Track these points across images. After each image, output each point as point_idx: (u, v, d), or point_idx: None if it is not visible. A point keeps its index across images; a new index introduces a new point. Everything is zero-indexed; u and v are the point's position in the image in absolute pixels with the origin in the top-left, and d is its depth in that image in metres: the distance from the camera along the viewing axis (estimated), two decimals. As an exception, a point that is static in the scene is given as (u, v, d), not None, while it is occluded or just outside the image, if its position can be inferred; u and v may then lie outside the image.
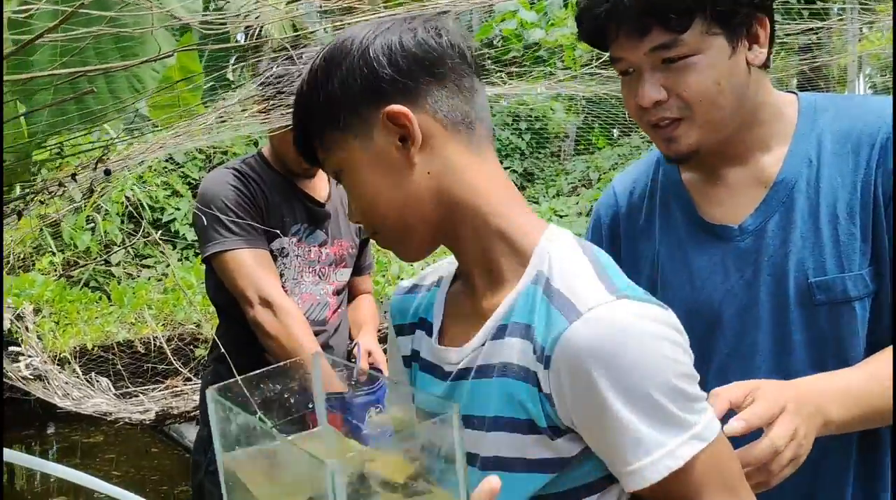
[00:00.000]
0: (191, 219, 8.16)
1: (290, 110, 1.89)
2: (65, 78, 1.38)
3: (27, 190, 1.59)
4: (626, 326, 0.86)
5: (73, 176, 1.57)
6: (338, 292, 2.36)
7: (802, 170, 1.24)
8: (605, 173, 11.52)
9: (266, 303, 2.07)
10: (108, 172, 1.64)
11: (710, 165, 1.31)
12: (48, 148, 1.78)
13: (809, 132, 1.26)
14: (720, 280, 1.29)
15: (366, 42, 0.95)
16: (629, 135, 12.22)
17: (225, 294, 2.18)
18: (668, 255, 1.35)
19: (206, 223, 2.14)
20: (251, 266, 2.11)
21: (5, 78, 1.29)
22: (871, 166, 1.20)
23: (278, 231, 2.18)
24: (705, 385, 1.29)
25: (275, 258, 2.20)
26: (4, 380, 4.40)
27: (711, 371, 1.29)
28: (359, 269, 2.53)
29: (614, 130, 12.69)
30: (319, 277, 2.29)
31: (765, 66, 1.24)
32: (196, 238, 2.35)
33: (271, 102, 2.04)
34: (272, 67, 2.13)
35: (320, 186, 2.35)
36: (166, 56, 1.43)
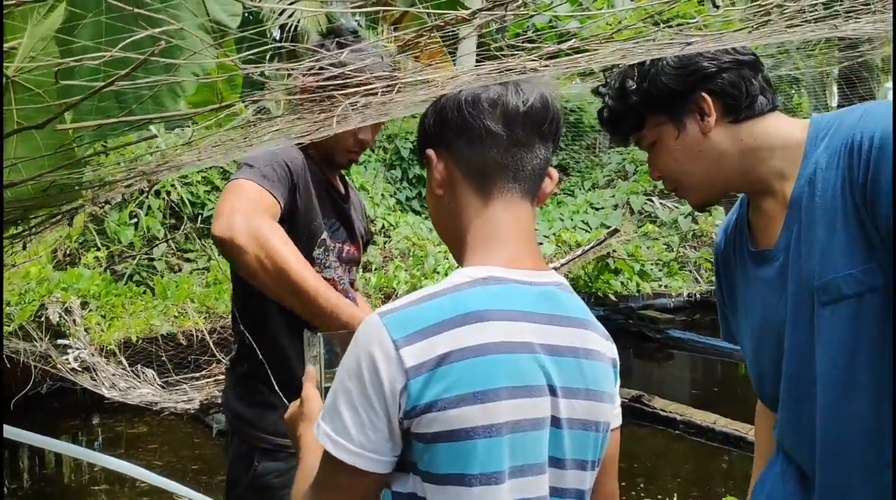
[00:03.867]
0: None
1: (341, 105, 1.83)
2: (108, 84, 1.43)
3: (76, 204, 1.65)
4: (358, 329, 1.12)
5: (123, 197, 1.63)
6: (352, 284, 2.35)
7: (805, 188, 1.38)
8: (641, 165, 11.40)
9: (246, 228, 1.72)
10: (157, 193, 1.71)
11: (753, 201, 1.52)
12: (93, 149, 1.82)
13: (812, 154, 1.40)
14: (773, 298, 1.46)
15: (437, 101, 1.26)
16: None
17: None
18: (742, 282, 1.57)
19: (245, 163, 1.94)
20: (253, 196, 1.82)
21: (59, 100, 1.35)
22: (855, 171, 1.29)
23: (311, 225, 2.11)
24: (777, 390, 1.48)
25: (322, 251, 2.17)
26: (53, 371, 4.54)
27: (783, 377, 1.46)
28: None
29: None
30: (347, 273, 2.29)
31: (758, 113, 1.45)
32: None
33: (320, 97, 1.90)
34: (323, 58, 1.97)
35: (341, 183, 2.33)
36: (236, 74, 1.49)
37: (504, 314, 1.11)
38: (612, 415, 1.25)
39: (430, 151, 1.25)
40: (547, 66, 1.40)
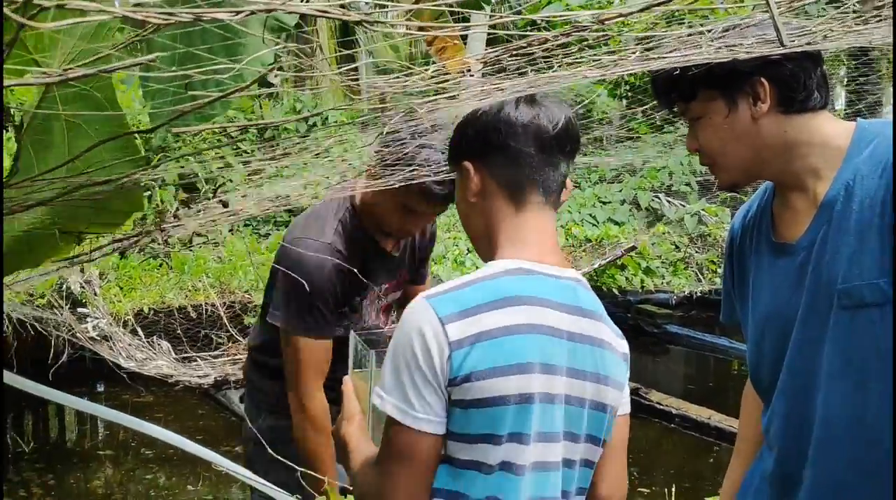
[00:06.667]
0: (242, 195, 8.26)
1: (405, 176, 1.98)
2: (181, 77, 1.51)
3: (141, 229, 1.72)
4: (406, 311, 1.29)
5: (185, 203, 1.71)
6: (386, 310, 2.54)
7: (841, 192, 1.43)
8: (647, 162, 11.42)
9: (303, 409, 2.27)
10: (225, 204, 1.83)
11: (781, 193, 1.55)
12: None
13: (853, 159, 1.43)
14: (787, 291, 1.51)
15: (475, 116, 1.40)
16: (674, 123, 12.11)
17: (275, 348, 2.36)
18: (756, 270, 1.60)
19: (292, 297, 2.22)
20: (309, 359, 2.26)
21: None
22: (891, 186, 1.35)
23: (346, 322, 2.34)
24: (773, 379, 1.53)
25: (354, 310, 2.36)
26: (72, 340, 4.63)
27: (784, 369, 1.51)
28: (422, 277, 2.68)
29: (657, 117, 12.59)
30: (377, 308, 2.48)
31: (810, 109, 1.46)
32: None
33: (387, 170, 2.05)
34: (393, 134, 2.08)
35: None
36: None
37: (535, 301, 1.29)
38: (620, 401, 1.41)
39: (468, 164, 1.40)
40: (604, 74, 1.46)
